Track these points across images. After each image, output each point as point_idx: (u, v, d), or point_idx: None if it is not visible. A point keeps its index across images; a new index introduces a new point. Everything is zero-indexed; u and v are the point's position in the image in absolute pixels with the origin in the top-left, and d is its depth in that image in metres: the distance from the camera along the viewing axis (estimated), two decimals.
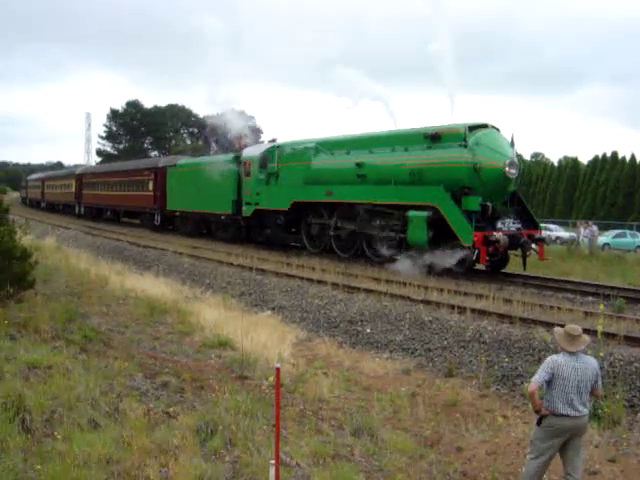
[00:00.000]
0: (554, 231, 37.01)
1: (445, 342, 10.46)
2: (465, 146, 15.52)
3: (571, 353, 5.10)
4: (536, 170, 70.81)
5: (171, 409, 6.83)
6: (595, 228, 28.72)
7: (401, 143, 17.42)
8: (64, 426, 5.85)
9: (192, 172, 27.73)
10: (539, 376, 5.07)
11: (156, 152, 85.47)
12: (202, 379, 8.46)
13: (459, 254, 15.00)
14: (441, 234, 15.51)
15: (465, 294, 13.29)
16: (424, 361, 10.01)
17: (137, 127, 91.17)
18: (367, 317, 12.13)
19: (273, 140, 25.63)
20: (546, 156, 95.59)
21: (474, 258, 14.98)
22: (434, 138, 16.38)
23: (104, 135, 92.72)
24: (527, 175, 68.27)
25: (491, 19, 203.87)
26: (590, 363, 5.15)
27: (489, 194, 15.45)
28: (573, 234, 32.64)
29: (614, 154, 60.26)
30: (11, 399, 5.84)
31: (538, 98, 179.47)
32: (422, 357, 10.17)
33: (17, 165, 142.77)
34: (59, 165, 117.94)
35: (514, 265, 16.76)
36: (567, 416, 5.04)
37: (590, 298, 13.31)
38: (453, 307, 11.99)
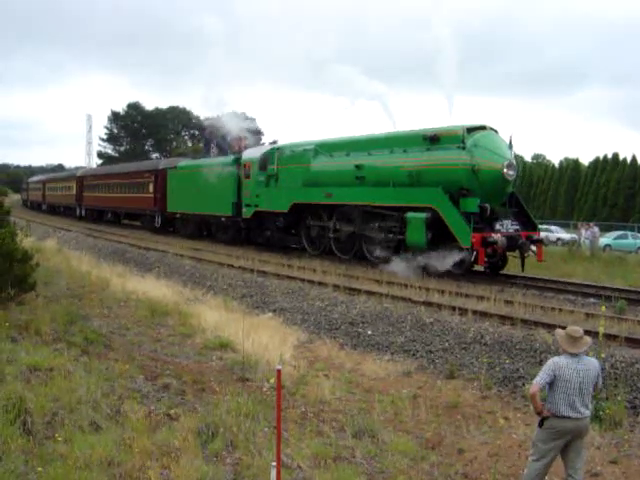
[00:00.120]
0: (555, 232, 37.01)
1: (446, 344, 10.45)
2: (463, 148, 15.57)
3: (573, 355, 5.10)
4: (537, 172, 70.76)
5: (172, 411, 6.83)
6: (596, 229, 28.73)
7: (400, 145, 17.47)
8: (65, 428, 5.86)
9: (192, 174, 27.75)
10: (541, 378, 5.07)
11: (157, 154, 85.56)
12: (203, 381, 8.46)
13: (458, 255, 15.03)
14: (440, 235, 15.55)
15: (466, 296, 13.29)
16: (425, 363, 10.00)
17: (138, 129, 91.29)
18: (368, 319, 12.13)
19: (274, 142, 25.67)
20: (547, 158, 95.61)
21: (472, 259, 15.00)
22: (432, 140, 16.43)
23: (105, 137, 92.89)
24: (528, 177, 68.29)
25: (491, 20, 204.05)
26: (592, 364, 5.15)
27: (487, 196, 15.49)
28: (574, 235, 32.64)
29: (615, 155, 60.25)
30: (12, 401, 5.84)
31: (538, 99, 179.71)
32: (423, 359, 10.16)
33: (18, 167, 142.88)
34: (60, 167, 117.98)
35: (515, 266, 16.75)
36: (569, 418, 5.04)
37: (591, 300, 13.30)
38: (454, 309, 11.99)
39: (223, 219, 25.37)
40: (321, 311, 13.07)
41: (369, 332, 11.59)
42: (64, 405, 6.35)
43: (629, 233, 35.93)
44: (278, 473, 4.73)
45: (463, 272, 15.50)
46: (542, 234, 32.75)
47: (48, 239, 27.88)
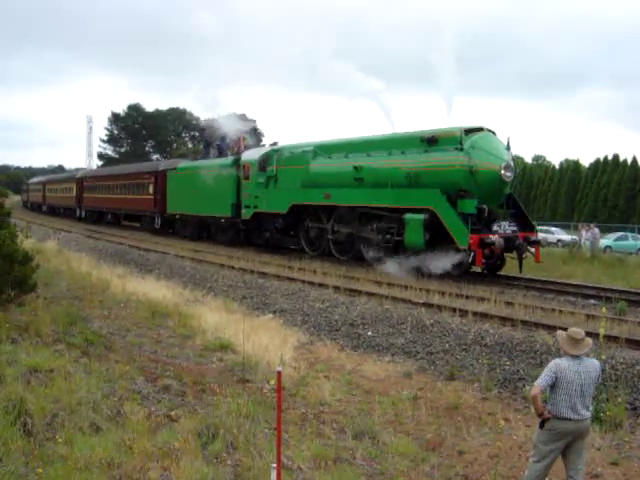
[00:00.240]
0: (556, 234, 36.99)
1: (447, 345, 10.45)
2: (461, 149, 15.62)
3: (574, 357, 5.09)
4: (537, 173, 70.76)
5: (172, 412, 6.84)
6: (597, 231, 28.71)
7: (398, 146, 17.53)
8: (65, 429, 5.86)
9: (192, 175, 27.77)
10: (542, 380, 5.07)
11: (157, 156, 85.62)
12: (203, 382, 8.45)
13: (455, 257, 15.06)
14: (437, 237, 15.60)
15: (467, 297, 13.29)
16: (426, 364, 9.99)
17: (138, 130, 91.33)
18: (368, 320, 12.13)
19: (274, 143, 25.71)
20: (547, 159, 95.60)
21: (470, 261, 15.02)
22: (431, 141, 16.49)
23: (105, 138, 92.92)
24: (528, 178, 68.30)
25: (492, 21, 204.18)
26: (592, 366, 5.15)
27: (485, 197, 15.55)
28: (575, 237, 32.61)
29: (615, 157, 60.24)
30: (12, 402, 5.84)
31: (539, 101, 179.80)
32: (424, 360, 10.15)
33: (18, 169, 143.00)
34: (60, 169, 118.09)
35: (514, 268, 16.75)
36: (570, 419, 5.04)
37: (592, 301, 13.30)
38: (455, 310, 11.99)
39: (222, 220, 25.40)
40: (321, 312, 13.07)
41: (369, 333, 11.58)
42: (64, 406, 6.35)
43: (629, 234, 35.92)
44: (278, 474, 4.73)
45: (460, 273, 15.52)
46: (542, 235, 32.89)
47: (48, 240, 27.87)
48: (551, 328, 10.08)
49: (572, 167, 66.51)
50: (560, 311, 11.66)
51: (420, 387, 9.02)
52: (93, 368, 8.02)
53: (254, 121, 68.16)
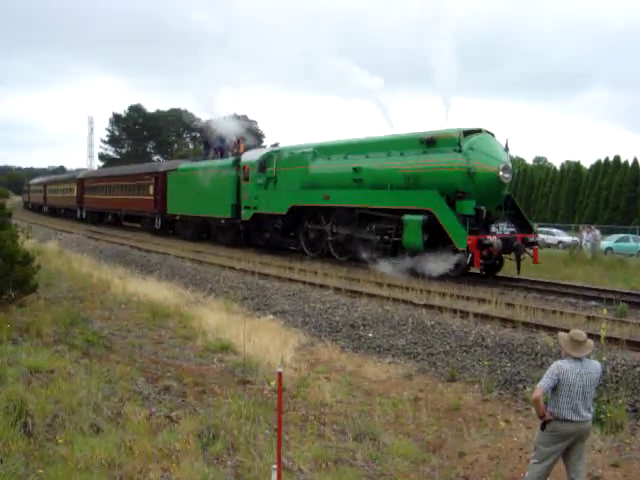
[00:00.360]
0: (557, 235, 36.97)
1: (447, 346, 10.44)
2: (459, 151, 15.67)
3: (576, 359, 5.09)
4: (539, 174, 70.73)
5: (173, 413, 6.83)
6: (598, 232, 28.72)
7: (397, 148, 17.57)
8: (66, 430, 5.86)
9: (192, 176, 27.81)
10: (544, 382, 5.06)
11: (159, 156, 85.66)
12: (204, 383, 8.45)
13: (453, 258, 15.10)
14: (436, 238, 15.62)
15: (467, 298, 13.29)
16: (426, 366, 9.99)
17: (139, 131, 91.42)
18: (369, 321, 12.12)
19: (275, 144, 25.78)
20: (549, 160, 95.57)
21: (468, 262, 15.05)
22: (429, 143, 16.55)
23: (106, 139, 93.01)
24: (529, 179, 68.28)
25: (493, 23, 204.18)
26: (594, 367, 5.15)
27: (483, 198, 15.60)
28: (576, 238, 32.60)
29: (617, 158, 60.17)
30: (13, 403, 5.84)
31: (540, 102, 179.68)
32: (424, 362, 10.14)
33: (19, 169, 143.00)
34: (61, 169, 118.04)
35: (515, 269, 16.74)
36: (571, 421, 5.03)
37: (593, 303, 13.28)
38: (455, 311, 11.98)
39: (222, 221, 25.45)
40: (322, 314, 13.06)
41: (370, 335, 11.58)
42: (65, 407, 6.35)
43: (630, 236, 35.89)
44: (279, 476, 4.73)
45: (458, 274, 15.54)
46: (543, 237, 32.87)
47: (49, 241, 27.89)
48: (552, 329, 10.07)
49: (573, 168, 66.46)
50: (561, 313, 11.65)
51: (421, 388, 9.01)
52: (94, 369, 8.02)
53: (255, 122, 68.23)
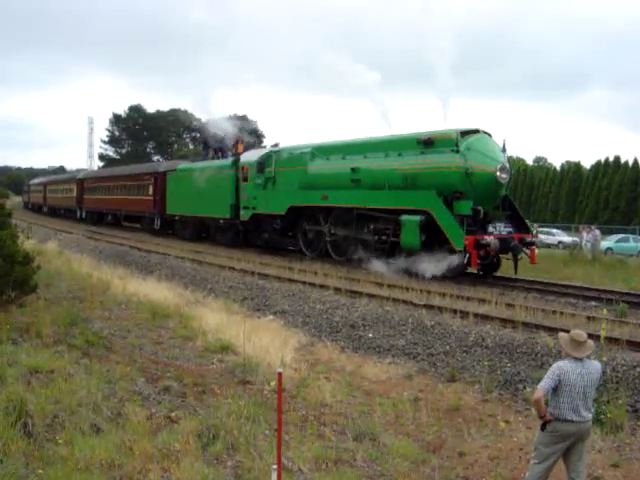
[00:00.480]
0: (557, 236, 36.97)
1: (447, 347, 10.44)
2: (457, 151, 15.70)
3: (577, 359, 5.09)
4: (539, 175, 70.75)
5: (173, 414, 6.83)
6: (598, 232, 28.70)
7: (395, 148, 17.60)
8: (66, 431, 5.86)
9: (191, 177, 27.81)
10: (545, 383, 5.06)
11: (159, 157, 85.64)
12: (204, 384, 8.45)
13: (451, 258, 15.12)
14: (433, 238, 15.65)
15: (467, 299, 13.29)
16: (426, 366, 9.99)
17: (139, 131, 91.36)
18: (369, 322, 12.12)
19: (275, 144, 25.79)
20: (549, 161, 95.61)
21: (465, 262, 15.07)
22: (427, 143, 16.58)
23: (106, 139, 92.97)
24: (530, 180, 68.29)
25: (493, 23, 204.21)
26: (594, 368, 5.15)
27: (480, 198, 15.63)
28: (576, 239, 32.61)
29: (617, 158, 60.20)
30: (13, 403, 5.84)
31: (540, 102, 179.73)
32: (424, 362, 10.14)
33: (19, 169, 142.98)
34: (61, 169, 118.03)
35: (516, 270, 16.75)
36: (572, 421, 5.03)
37: (593, 303, 13.28)
38: (455, 312, 11.98)
39: (221, 221, 25.48)
40: (322, 314, 13.06)
41: (370, 335, 11.58)
42: (65, 407, 6.35)
43: (630, 236, 35.90)
44: (279, 476, 4.73)
45: (456, 275, 15.55)
46: (543, 237, 32.85)
47: (49, 241, 27.89)
48: (552, 330, 10.08)
49: (573, 169, 66.50)
50: (561, 313, 11.64)
51: (421, 389, 9.01)
52: (94, 369, 8.02)
53: (255, 122, 68.21)
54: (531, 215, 55.87)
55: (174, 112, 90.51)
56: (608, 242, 33.03)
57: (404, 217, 16.21)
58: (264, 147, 30.37)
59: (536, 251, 16.75)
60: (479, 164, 15.51)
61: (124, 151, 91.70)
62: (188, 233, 28.87)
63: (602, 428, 7.24)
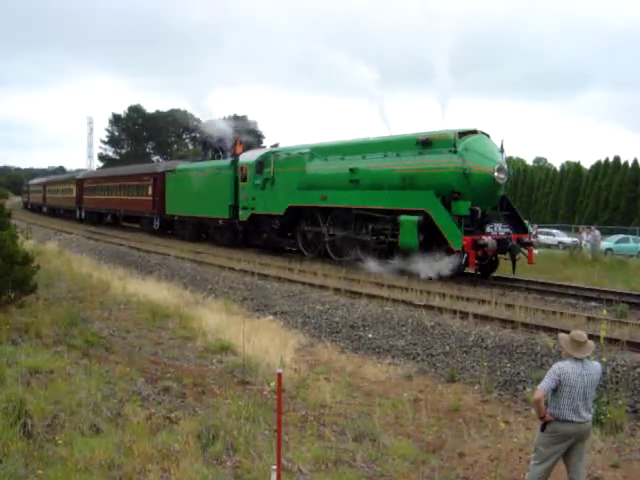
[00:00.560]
0: (557, 236, 36.96)
1: (447, 347, 10.44)
2: (455, 152, 15.75)
3: (577, 360, 5.09)
4: (539, 175, 70.77)
5: (173, 414, 6.83)
6: (598, 233, 28.69)
7: (393, 149, 17.65)
8: (65, 431, 5.85)
9: (190, 177, 27.87)
10: (546, 383, 5.05)
11: (158, 157, 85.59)
12: (204, 384, 8.44)
13: (449, 258, 15.14)
14: (431, 238, 15.67)
15: (467, 299, 13.29)
16: (426, 366, 9.98)
17: (139, 132, 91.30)
18: (369, 322, 12.12)
19: (275, 145, 25.81)
20: (548, 161, 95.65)
21: (463, 262, 15.09)
22: (425, 144, 16.63)
23: (106, 140, 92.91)
24: (530, 180, 68.30)
25: (493, 23, 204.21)
26: (594, 369, 5.15)
27: (478, 199, 15.67)
28: (576, 239, 32.60)
29: (616, 159, 60.21)
30: (12, 404, 5.84)
31: (540, 102, 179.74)
32: (424, 362, 10.14)
33: (19, 170, 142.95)
34: (61, 170, 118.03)
35: (516, 270, 16.75)
36: (572, 422, 5.03)
37: (593, 303, 13.29)
38: (455, 312, 11.98)
39: (220, 222, 25.51)
40: (322, 314, 13.06)
41: (370, 335, 11.57)
42: (64, 408, 6.35)
43: (630, 237, 35.87)
44: (278, 476, 4.72)
45: (454, 275, 15.57)
46: (543, 237, 32.84)
47: (49, 241, 27.88)
48: (552, 330, 10.08)
49: (573, 169, 66.51)
50: (561, 313, 11.65)
51: (420, 389, 9.01)
52: (93, 369, 8.02)
53: (255, 122, 68.19)
54: (531, 215, 55.86)
55: (174, 112, 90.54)
56: (608, 242, 33.02)
57: (402, 217, 16.25)
58: (264, 147, 30.38)
59: (534, 251, 16.78)
60: (477, 165, 15.54)
61: (124, 151, 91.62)
62: (187, 233, 28.89)
63: (602, 429, 7.24)
